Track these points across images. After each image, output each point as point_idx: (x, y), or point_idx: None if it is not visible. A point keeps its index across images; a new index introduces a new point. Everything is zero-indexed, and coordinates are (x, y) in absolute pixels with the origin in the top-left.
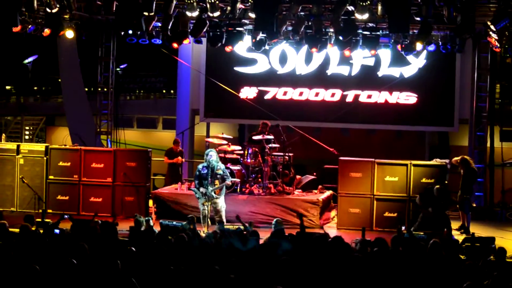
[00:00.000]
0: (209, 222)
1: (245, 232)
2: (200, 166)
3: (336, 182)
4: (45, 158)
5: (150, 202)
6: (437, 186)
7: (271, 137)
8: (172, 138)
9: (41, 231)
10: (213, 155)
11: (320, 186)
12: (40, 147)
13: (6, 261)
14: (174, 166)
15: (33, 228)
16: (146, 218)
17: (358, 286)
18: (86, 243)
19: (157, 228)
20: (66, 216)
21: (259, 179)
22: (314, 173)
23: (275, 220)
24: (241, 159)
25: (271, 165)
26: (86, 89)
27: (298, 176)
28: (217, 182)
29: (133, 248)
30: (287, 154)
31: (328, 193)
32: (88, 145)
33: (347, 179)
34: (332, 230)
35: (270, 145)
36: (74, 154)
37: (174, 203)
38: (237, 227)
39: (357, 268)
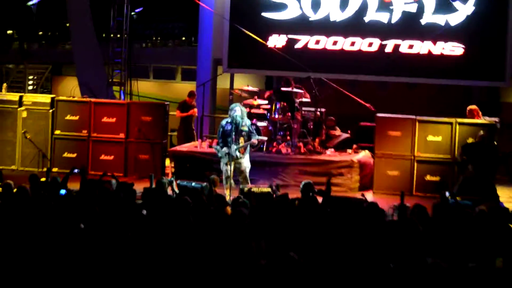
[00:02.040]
0: (233, 183)
1: (274, 195)
2: (223, 122)
3: (373, 141)
4: (50, 111)
5: (167, 161)
6: (481, 133)
7: (301, 90)
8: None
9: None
10: (237, 110)
11: (355, 146)
12: (45, 98)
13: (9, 227)
14: (187, 121)
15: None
16: (170, 179)
17: (391, 257)
18: (97, 206)
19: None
20: (76, 170)
21: (288, 137)
22: (349, 131)
23: (303, 182)
24: (268, 114)
25: (301, 121)
26: (97, 35)
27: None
28: (241, 139)
29: (144, 211)
30: (319, 109)
31: (364, 153)
32: (99, 97)
33: (384, 138)
34: (367, 195)
35: (300, 99)
36: (83, 107)
37: (194, 163)
38: (264, 189)
39: (392, 237)
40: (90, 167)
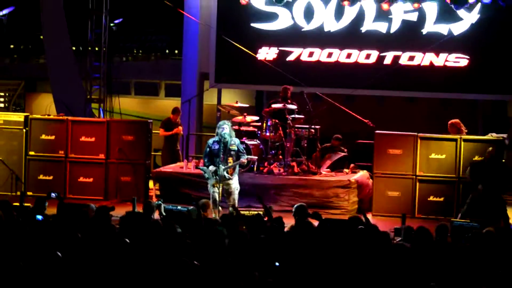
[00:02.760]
0: (220, 208)
1: (265, 218)
2: (210, 141)
3: (371, 160)
4: (24, 130)
5: (151, 183)
6: (490, 149)
7: (294, 106)
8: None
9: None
10: (226, 128)
11: (352, 165)
12: (18, 117)
13: None
14: (172, 140)
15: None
16: (157, 202)
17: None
18: (76, 232)
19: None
20: (53, 194)
21: (280, 156)
22: (345, 149)
23: (296, 205)
24: (259, 132)
25: (294, 139)
26: (74, 49)
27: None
28: (230, 159)
29: (127, 240)
30: (313, 126)
31: (361, 172)
32: (76, 115)
33: (384, 157)
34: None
35: (293, 116)
36: (59, 126)
37: (180, 185)
38: (254, 212)
39: (397, 262)
40: (67, 190)
